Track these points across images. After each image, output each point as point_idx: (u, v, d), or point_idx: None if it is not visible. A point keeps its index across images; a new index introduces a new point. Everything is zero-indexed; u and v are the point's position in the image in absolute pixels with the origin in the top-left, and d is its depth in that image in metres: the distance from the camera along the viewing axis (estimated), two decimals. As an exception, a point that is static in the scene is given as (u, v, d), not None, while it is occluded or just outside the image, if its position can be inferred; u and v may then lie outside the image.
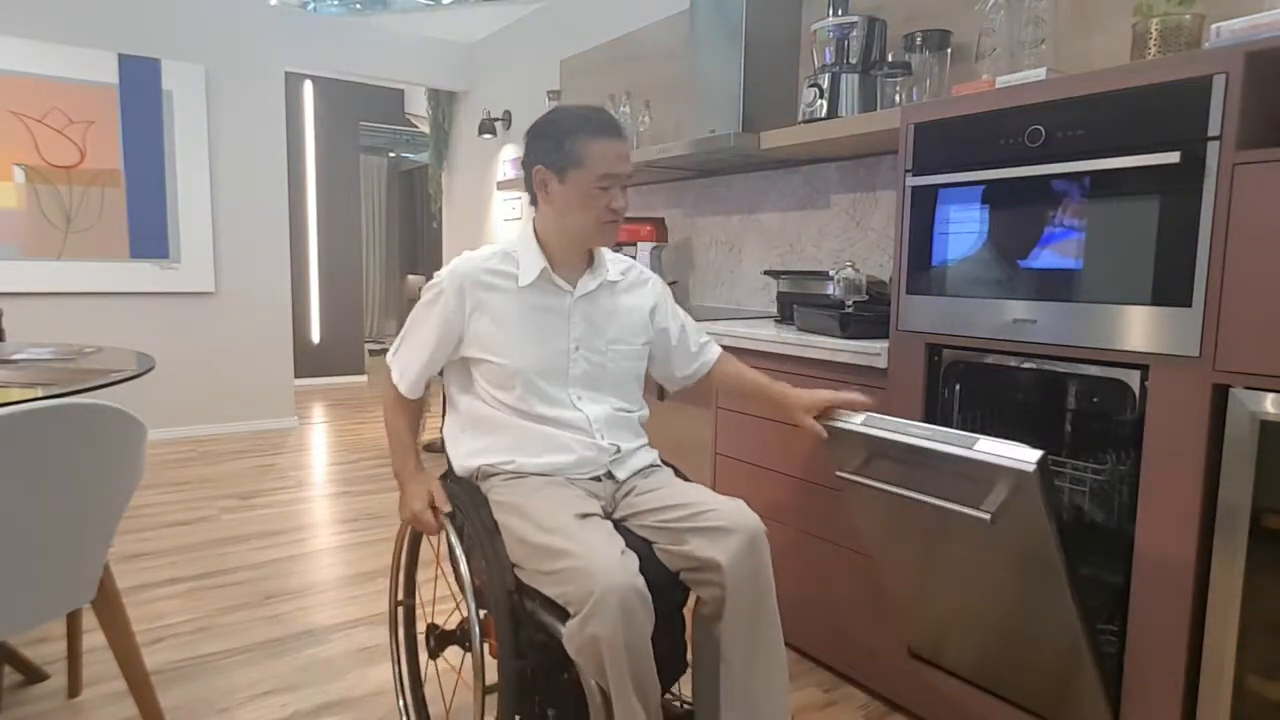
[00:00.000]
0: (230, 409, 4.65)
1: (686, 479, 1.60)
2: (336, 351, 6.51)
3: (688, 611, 1.44)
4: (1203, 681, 1.30)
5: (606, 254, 1.60)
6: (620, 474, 1.51)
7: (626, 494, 1.49)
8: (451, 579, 1.50)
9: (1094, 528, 1.86)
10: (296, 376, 5.04)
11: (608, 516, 1.43)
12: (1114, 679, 1.43)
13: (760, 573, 1.33)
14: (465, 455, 1.54)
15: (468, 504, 1.47)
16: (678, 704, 1.54)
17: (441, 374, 1.60)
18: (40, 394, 1.59)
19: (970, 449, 1.29)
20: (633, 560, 1.25)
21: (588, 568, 1.20)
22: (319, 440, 4.59)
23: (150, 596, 2.42)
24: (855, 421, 1.47)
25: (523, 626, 1.31)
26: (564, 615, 1.23)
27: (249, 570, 2.64)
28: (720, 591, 1.31)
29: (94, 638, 1.79)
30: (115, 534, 1.51)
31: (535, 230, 1.53)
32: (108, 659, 1.64)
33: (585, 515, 1.34)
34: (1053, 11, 1.85)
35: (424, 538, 1.61)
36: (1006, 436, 1.69)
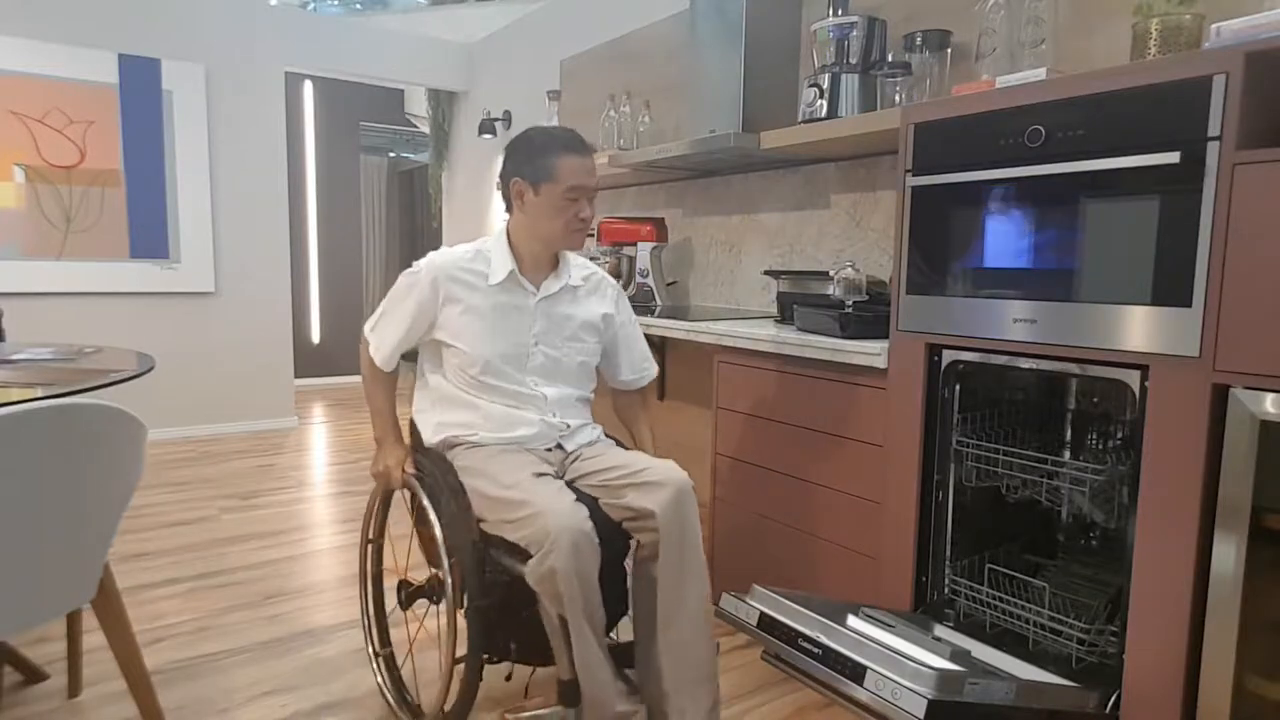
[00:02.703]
0: (230, 409, 4.65)
1: (626, 449, 1.82)
2: (336, 351, 6.52)
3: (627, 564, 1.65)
4: (1203, 681, 1.30)
5: (571, 259, 1.79)
6: (569, 446, 1.73)
7: (574, 460, 1.71)
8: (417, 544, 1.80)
9: (1094, 527, 1.86)
10: (296, 376, 5.04)
11: (559, 478, 1.63)
12: (1114, 679, 1.43)
13: (686, 518, 1.53)
14: (433, 429, 1.73)
15: (435, 470, 1.65)
16: (617, 642, 1.68)
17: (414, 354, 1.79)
18: (40, 394, 1.59)
19: (858, 685, 1.19)
20: (582, 508, 1.47)
21: (544, 513, 1.42)
22: (319, 440, 4.59)
23: (150, 596, 2.42)
24: (748, 621, 1.41)
25: (486, 571, 1.52)
26: (524, 557, 1.45)
27: (249, 570, 2.64)
28: (655, 535, 1.52)
29: (94, 638, 1.79)
30: (115, 534, 1.51)
31: (508, 234, 1.72)
32: (108, 659, 1.64)
33: (540, 474, 1.57)
34: (1053, 11, 1.85)
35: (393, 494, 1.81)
36: (1007, 436, 1.71)
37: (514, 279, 1.68)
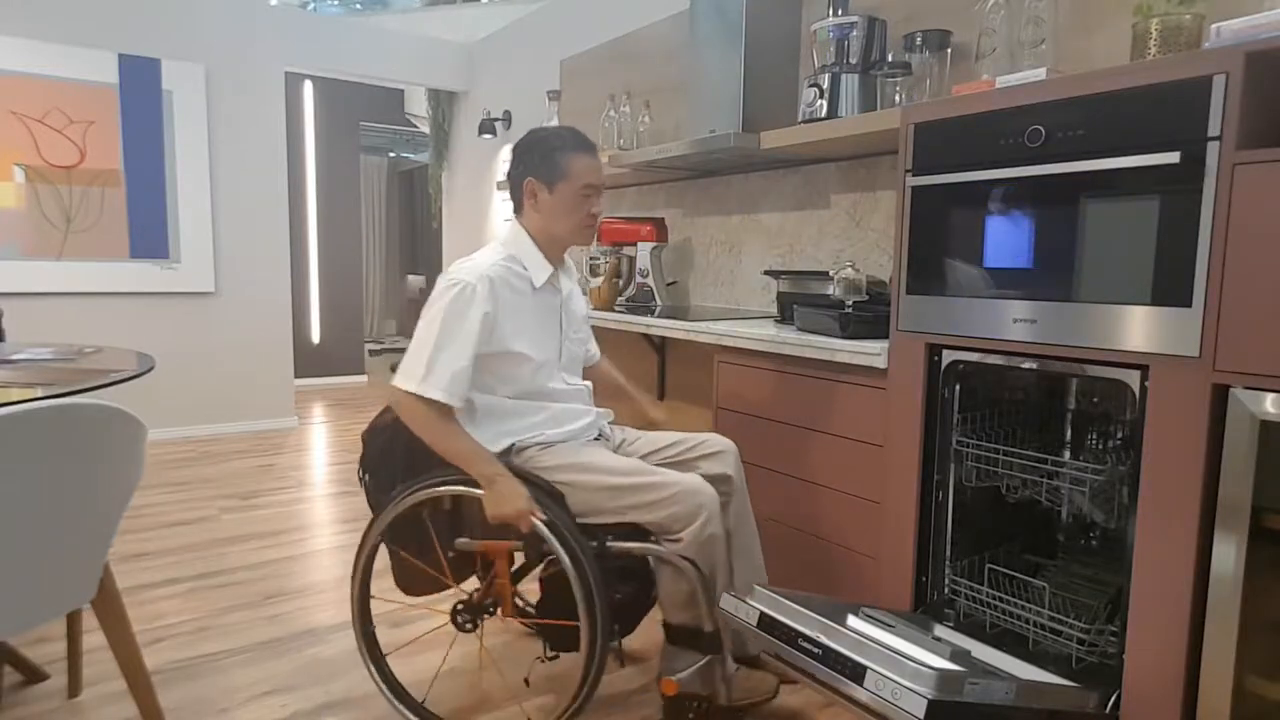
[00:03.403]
0: (230, 409, 4.65)
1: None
2: (336, 351, 6.51)
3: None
4: (1203, 681, 1.30)
5: (567, 256, 1.85)
6: (606, 432, 1.84)
7: (619, 445, 1.83)
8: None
9: (1094, 527, 1.86)
10: (296, 376, 5.03)
11: None
12: (1114, 679, 1.43)
13: (742, 474, 1.83)
14: (490, 440, 1.67)
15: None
16: None
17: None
18: (40, 394, 1.59)
19: (858, 685, 1.20)
20: None
21: (689, 490, 1.56)
22: (319, 440, 4.59)
23: (150, 596, 2.42)
24: (747, 620, 1.43)
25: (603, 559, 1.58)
26: (644, 536, 1.59)
27: (249, 570, 2.64)
28: (727, 498, 1.74)
29: (94, 638, 1.79)
30: (115, 534, 1.51)
31: (530, 235, 1.72)
32: (108, 659, 1.64)
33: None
34: (1053, 11, 1.85)
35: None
36: (1007, 436, 1.71)
37: (552, 280, 1.73)
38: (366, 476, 1.80)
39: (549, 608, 1.65)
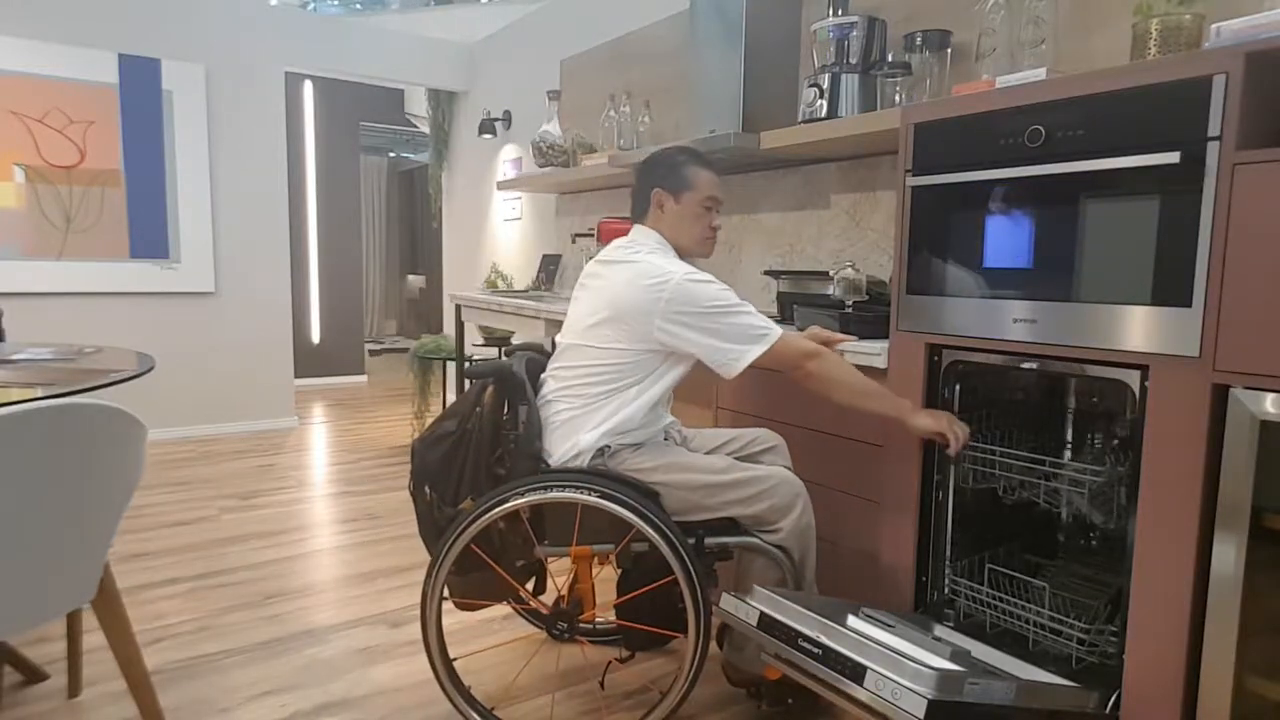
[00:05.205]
0: (230, 409, 4.65)
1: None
2: (336, 351, 6.52)
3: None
4: (1203, 681, 1.30)
5: None
6: (674, 435, 1.87)
7: (681, 444, 1.85)
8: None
9: (1094, 528, 1.86)
10: (296, 376, 5.04)
11: None
12: (1114, 679, 1.43)
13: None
14: (595, 440, 1.66)
15: (615, 484, 1.61)
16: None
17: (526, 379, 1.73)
18: (40, 394, 1.59)
19: (858, 684, 1.20)
20: None
21: (785, 481, 1.65)
22: (319, 440, 4.59)
23: (150, 596, 2.42)
24: (748, 621, 1.42)
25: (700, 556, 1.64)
26: (738, 530, 1.66)
27: (249, 570, 2.64)
28: None
29: (94, 638, 1.79)
30: (115, 534, 1.51)
31: (669, 243, 1.77)
32: (108, 659, 1.64)
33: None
34: (1053, 11, 1.85)
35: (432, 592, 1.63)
36: (1006, 437, 1.71)
37: None
38: (428, 490, 1.71)
39: (632, 609, 1.71)
